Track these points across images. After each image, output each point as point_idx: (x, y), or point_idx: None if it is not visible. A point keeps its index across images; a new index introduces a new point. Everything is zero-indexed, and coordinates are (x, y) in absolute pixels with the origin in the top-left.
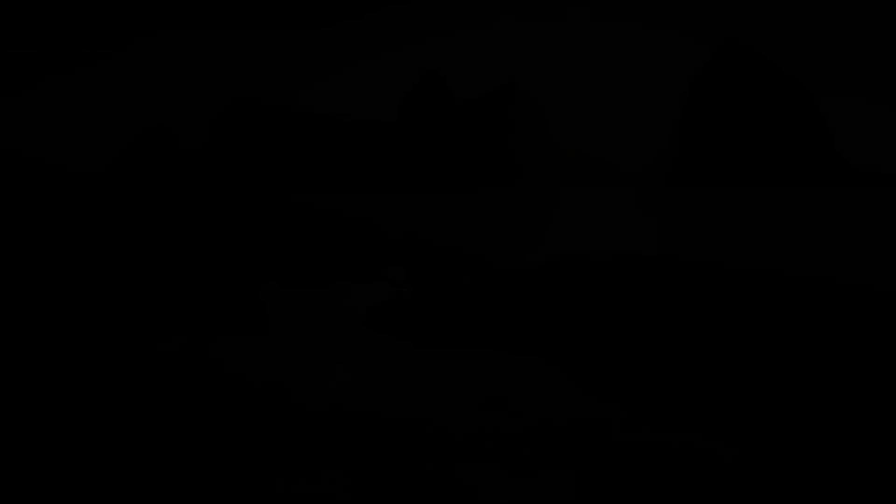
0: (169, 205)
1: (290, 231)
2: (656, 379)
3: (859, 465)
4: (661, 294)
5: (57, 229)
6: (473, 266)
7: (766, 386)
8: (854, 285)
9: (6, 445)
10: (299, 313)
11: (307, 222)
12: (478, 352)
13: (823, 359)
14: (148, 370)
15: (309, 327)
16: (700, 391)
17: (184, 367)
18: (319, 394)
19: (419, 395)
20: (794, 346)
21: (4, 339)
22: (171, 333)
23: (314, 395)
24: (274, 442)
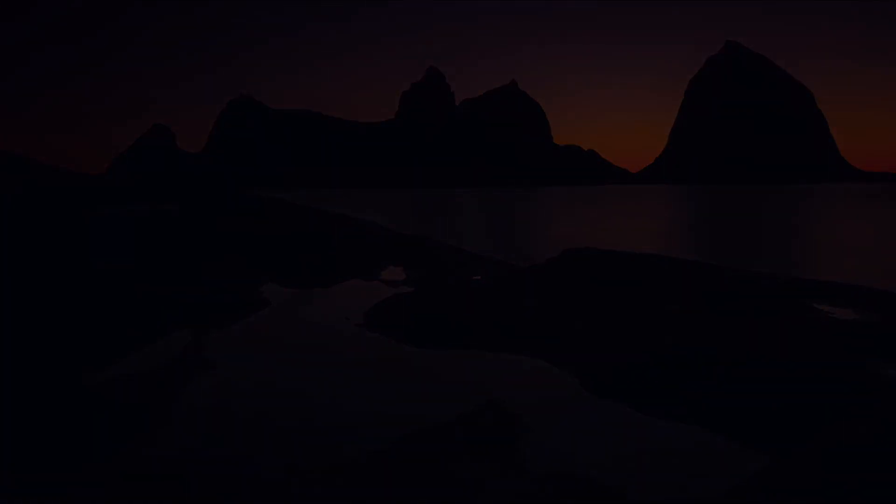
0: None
1: (290, 230)
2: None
3: None
4: (665, 292)
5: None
6: (475, 264)
7: None
8: None
9: None
10: (299, 312)
11: (306, 220)
12: (479, 352)
13: None
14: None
15: (309, 326)
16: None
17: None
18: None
19: (419, 396)
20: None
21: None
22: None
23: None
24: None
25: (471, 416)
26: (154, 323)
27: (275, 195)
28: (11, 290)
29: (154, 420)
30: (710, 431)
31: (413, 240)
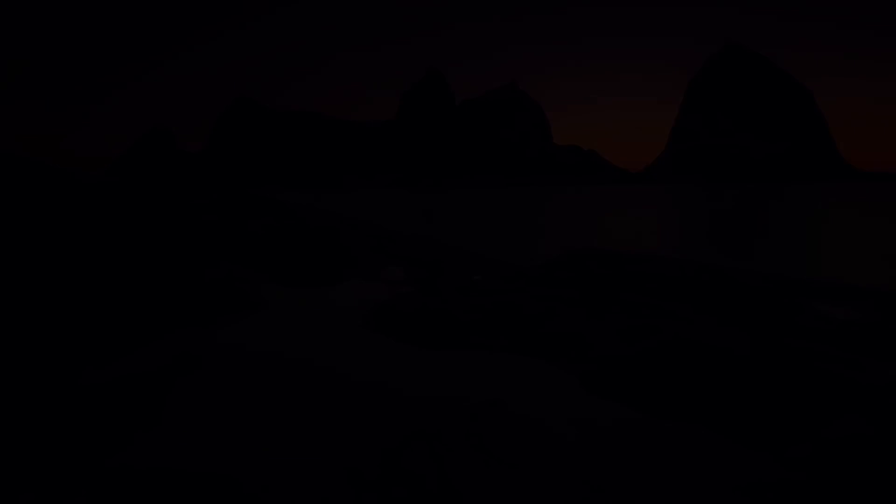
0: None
1: (290, 230)
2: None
3: None
4: (672, 292)
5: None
6: (476, 264)
7: None
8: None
9: None
10: (298, 312)
11: (306, 220)
12: (480, 352)
13: None
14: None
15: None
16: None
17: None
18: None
19: (419, 396)
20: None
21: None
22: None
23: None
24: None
25: (470, 416)
26: (152, 322)
27: (274, 195)
28: (11, 289)
29: (153, 420)
30: (710, 431)
31: (413, 240)
